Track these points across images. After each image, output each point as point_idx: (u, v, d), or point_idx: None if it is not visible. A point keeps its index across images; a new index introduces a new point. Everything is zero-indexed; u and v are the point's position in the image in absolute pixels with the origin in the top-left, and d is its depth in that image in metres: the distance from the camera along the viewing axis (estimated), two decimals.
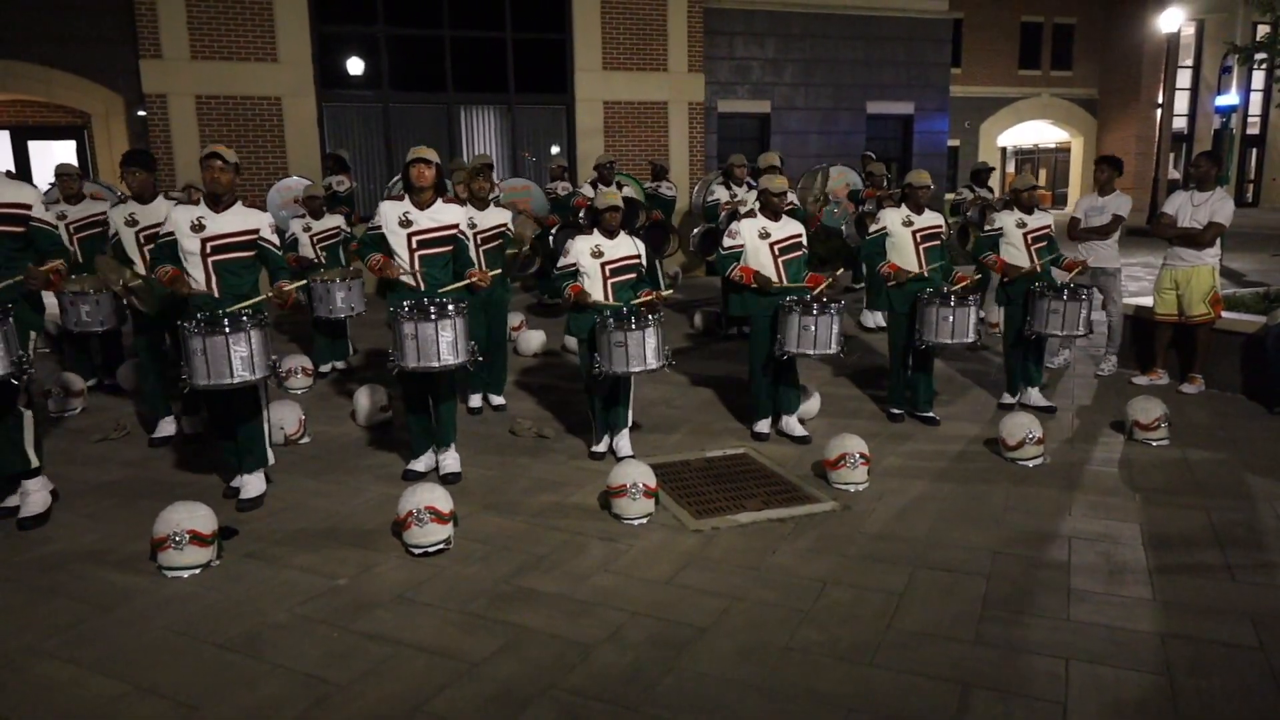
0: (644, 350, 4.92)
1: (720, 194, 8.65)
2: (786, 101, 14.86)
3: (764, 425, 5.75)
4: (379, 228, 4.78)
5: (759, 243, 5.51)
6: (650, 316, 4.94)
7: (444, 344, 4.52)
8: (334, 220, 7.57)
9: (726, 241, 5.60)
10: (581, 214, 8.63)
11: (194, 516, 3.84)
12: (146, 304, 5.03)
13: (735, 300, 5.75)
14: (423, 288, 4.75)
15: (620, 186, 9.50)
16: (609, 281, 5.19)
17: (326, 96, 11.89)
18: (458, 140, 12.63)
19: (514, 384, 6.91)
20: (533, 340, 8.16)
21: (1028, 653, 3.20)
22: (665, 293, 5.42)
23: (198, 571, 3.81)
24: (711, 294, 10.49)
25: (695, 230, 9.50)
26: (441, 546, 4.01)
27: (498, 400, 6.38)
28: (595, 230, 5.25)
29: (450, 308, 4.54)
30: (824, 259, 9.46)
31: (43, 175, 11.51)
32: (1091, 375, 7.29)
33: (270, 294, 4.49)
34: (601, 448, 5.38)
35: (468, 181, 6.20)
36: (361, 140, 12.32)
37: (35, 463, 4.36)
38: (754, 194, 7.91)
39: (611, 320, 4.91)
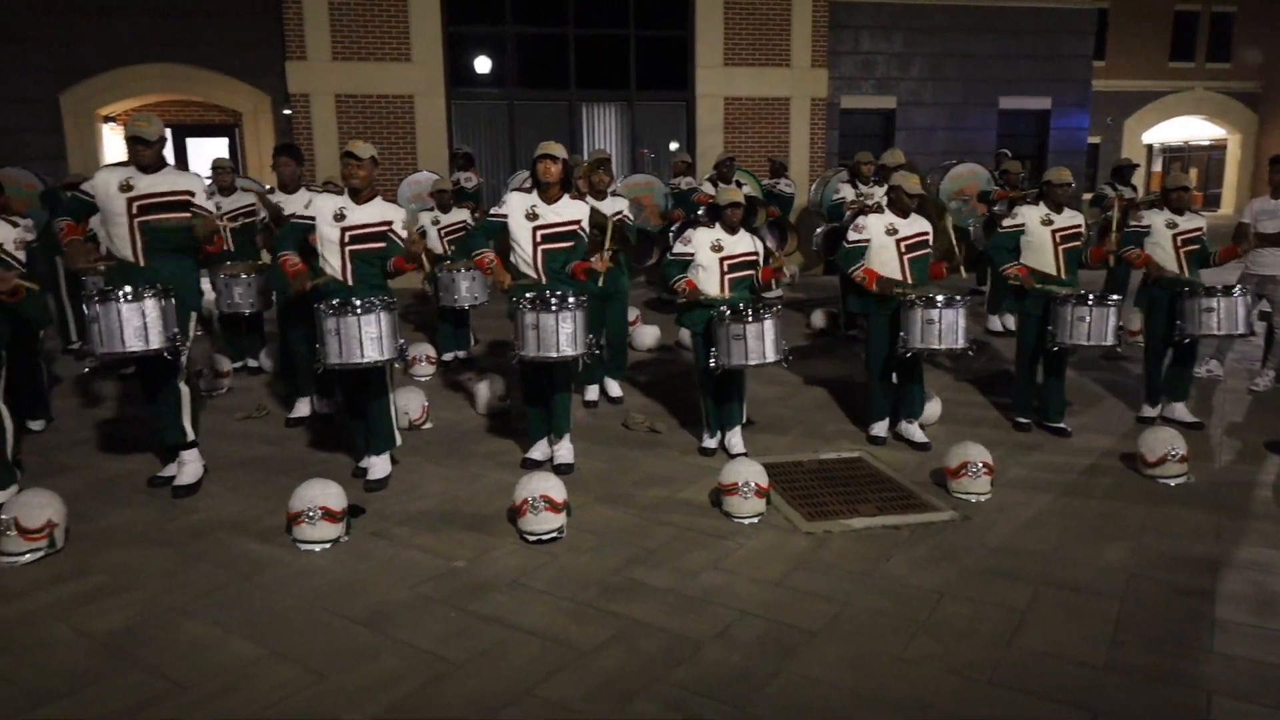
0: (762, 343, 4.89)
1: (846, 192, 8.47)
2: (913, 97, 14.40)
3: (880, 428, 5.61)
4: (503, 215, 4.91)
5: (885, 239, 5.38)
6: (769, 309, 4.90)
7: (564, 335, 4.61)
8: (461, 214, 7.83)
9: (852, 235, 5.49)
10: (702, 210, 8.63)
11: (326, 494, 4.06)
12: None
13: (854, 298, 5.63)
14: (544, 280, 4.86)
15: (739, 184, 9.44)
16: (726, 277, 5.18)
17: (455, 94, 12.29)
18: (579, 137, 12.83)
19: (627, 378, 6.97)
20: (647, 335, 8.22)
21: (1164, 683, 3.00)
22: (787, 272, 5.35)
23: (328, 546, 4.02)
24: (831, 293, 10.30)
25: (818, 229, 9.34)
26: (555, 535, 4.09)
27: (615, 393, 6.46)
28: (717, 225, 5.25)
29: (571, 300, 4.63)
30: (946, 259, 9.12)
31: (197, 169, 12.36)
32: (1244, 390, 6.77)
33: (406, 239, 4.68)
34: (713, 444, 5.37)
35: (588, 175, 6.32)
36: (486, 136, 12.69)
37: (191, 436, 4.70)
38: (880, 191, 7.73)
39: (729, 312, 4.89)
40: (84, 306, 4.25)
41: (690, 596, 3.61)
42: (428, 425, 5.87)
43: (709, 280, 5.17)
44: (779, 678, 3.04)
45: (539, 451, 5.14)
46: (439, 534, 4.21)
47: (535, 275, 4.89)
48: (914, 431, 5.53)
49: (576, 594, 3.63)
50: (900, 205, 5.43)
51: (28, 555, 3.86)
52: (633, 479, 4.96)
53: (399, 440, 4.96)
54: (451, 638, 3.29)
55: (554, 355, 4.66)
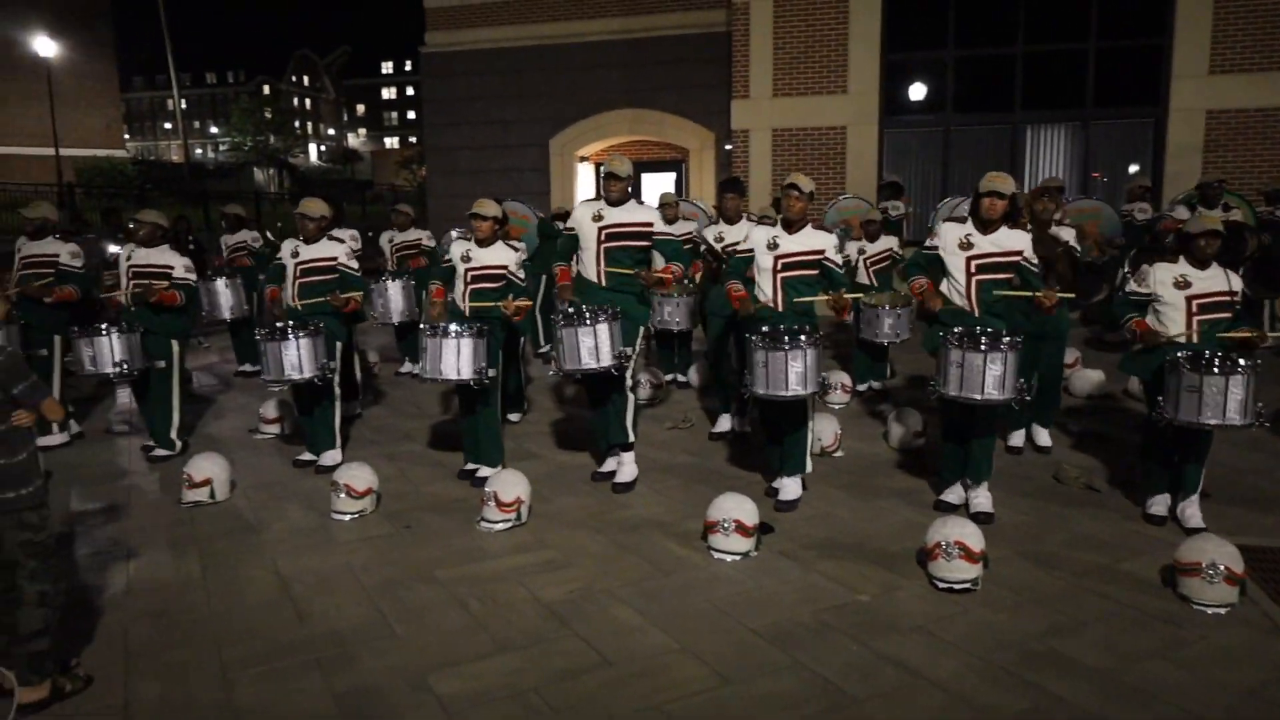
0: (1224, 400, 4.09)
1: None
2: None
3: None
4: (935, 249, 4.74)
5: None
6: (1241, 362, 4.10)
7: (990, 377, 4.31)
8: (888, 242, 7.73)
9: None
10: (1170, 239, 7.51)
11: (740, 508, 4.27)
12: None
13: None
14: (976, 313, 4.60)
15: (1226, 209, 8.04)
16: (1194, 318, 4.43)
17: (888, 123, 12.22)
18: (1020, 162, 11.96)
19: (1059, 426, 6.29)
20: (1088, 380, 7.34)
21: None
22: (1270, 336, 4.45)
23: (738, 558, 4.22)
24: None
25: None
26: (968, 586, 3.83)
27: (1043, 441, 5.87)
28: (1182, 259, 4.53)
29: (1005, 340, 4.32)
30: None
31: (648, 201, 13.85)
32: None
33: (829, 301, 4.78)
34: (1160, 511, 4.62)
35: (1030, 203, 5.83)
36: (918, 164, 12.40)
37: (631, 438, 5.27)
38: None
39: (1185, 361, 4.18)
40: (553, 323, 5.00)
41: (1129, 684, 3.14)
42: (839, 453, 5.87)
43: (1172, 321, 4.48)
44: None
45: (954, 495, 4.86)
46: (844, 563, 4.19)
47: (968, 307, 4.64)
48: None
49: (990, 653, 3.36)
50: None
51: (500, 524, 4.63)
52: (1061, 538, 4.46)
53: (810, 467, 5.04)
54: (852, 672, 3.25)
55: (977, 397, 4.37)
